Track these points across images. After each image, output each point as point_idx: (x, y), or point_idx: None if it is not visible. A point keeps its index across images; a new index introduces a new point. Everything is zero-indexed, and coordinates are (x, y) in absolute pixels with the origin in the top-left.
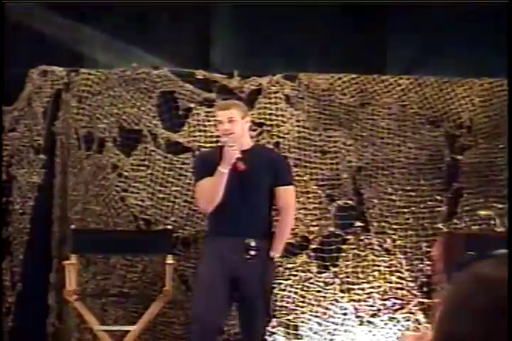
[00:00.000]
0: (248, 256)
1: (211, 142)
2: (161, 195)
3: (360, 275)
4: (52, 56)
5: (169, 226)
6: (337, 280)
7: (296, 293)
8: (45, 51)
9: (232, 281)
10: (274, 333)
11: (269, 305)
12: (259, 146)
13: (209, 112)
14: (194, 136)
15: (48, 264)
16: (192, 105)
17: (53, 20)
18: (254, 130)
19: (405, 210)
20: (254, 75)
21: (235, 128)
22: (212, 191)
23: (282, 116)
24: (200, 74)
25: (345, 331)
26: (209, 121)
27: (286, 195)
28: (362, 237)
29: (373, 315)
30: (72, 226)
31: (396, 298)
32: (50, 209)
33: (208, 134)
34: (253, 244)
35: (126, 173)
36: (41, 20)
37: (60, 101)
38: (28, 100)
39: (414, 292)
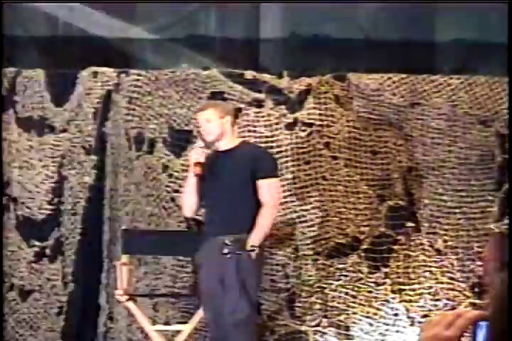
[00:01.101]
0: (224, 254)
1: (260, 142)
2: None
3: (411, 276)
4: (102, 57)
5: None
6: (388, 281)
7: (347, 293)
8: (95, 52)
9: (221, 280)
10: (325, 333)
11: (250, 297)
12: (244, 144)
13: (258, 112)
14: (243, 137)
15: (100, 264)
16: (241, 105)
17: (103, 21)
18: (303, 130)
19: (456, 210)
20: (303, 75)
21: (210, 129)
22: (182, 197)
23: (332, 116)
24: (249, 74)
25: (397, 331)
26: (258, 121)
27: (264, 188)
28: (413, 237)
29: (424, 316)
30: (123, 227)
31: (447, 299)
32: (101, 209)
33: (258, 134)
34: (227, 241)
35: (176, 174)
36: (91, 22)
37: (111, 102)
38: (79, 101)
39: (466, 292)
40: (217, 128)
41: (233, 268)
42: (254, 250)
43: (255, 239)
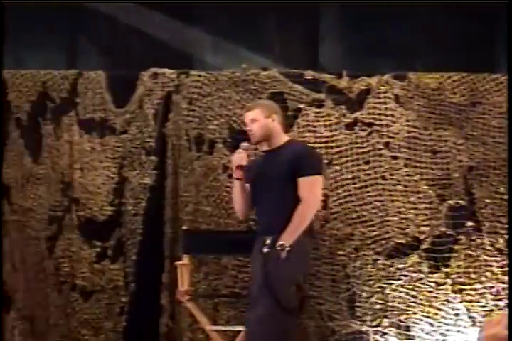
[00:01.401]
0: (263, 253)
1: (320, 142)
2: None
3: (473, 276)
4: (162, 58)
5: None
6: (449, 281)
7: (407, 293)
8: (155, 53)
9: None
10: (385, 334)
11: (278, 300)
12: (290, 143)
13: (318, 113)
14: (303, 137)
15: (161, 265)
16: (301, 106)
17: (163, 22)
18: (363, 130)
19: None
20: (363, 75)
21: (256, 129)
22: (233, 198)
23: (392, 116)
24: (309, 74)
25: (458, 332)
26: (318, 121)
27: (303, 186)
28: (474, 237)
29: (485, 316)
30: (184, 227)
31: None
32: (161, 210)
33: (318, 134)
34: (268, 241)
35: None
36: (151, 23)
37: (171, 103)
38: (140, 102)
39: None
40: (262, 128)
41: (262, 266)
42: (283, 249)
43: (285, 237)
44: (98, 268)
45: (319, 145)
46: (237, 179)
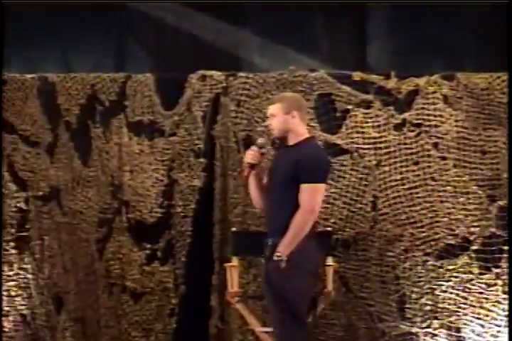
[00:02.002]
0: (266, 256)
1: (369, 143)
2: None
3: None
4: (210, 60)
5: (329, 228)
6: (499, 282)
7: (457, 294)
8: (203, 56)
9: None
10: (435, 335)
11: (286, 304)
12: (304, 142)
13: (367, 114)
14: (352, 138)
15: (210, 266)
16: (349, 107)
17: (210, 24)
18: (412, 131)
19: None
20: (411, 76)
21: (274, 124)
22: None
23: (441, 116)
24: (357, 75)
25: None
26: (367, 122)
27: (303, 193)
28: None
29: None
30: (233, 229)
31: None
32: (210, 212)
33: (366, 136)
34: (270, 243)
35: None
36: (199, 25)
37: (219, 105)
38: (188, 105)
39: None
40: (281, 124)
41: (270, 269)
42: (280, 259)
43: (282, 248)
44: (148, 270)
45: (368, 146)
46: (245, 178)
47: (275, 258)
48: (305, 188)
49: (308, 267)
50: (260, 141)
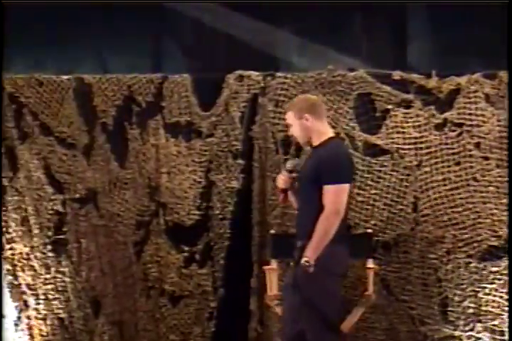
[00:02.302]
0: (295, 259)
1: (409, 144)
2: (360, 199)
3: None
4: (247, 60)
5: (369, 230)
6: None
7: (501, 297)
8: (240, 56)
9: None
10: (479, 338)
11: (316, 309)
12: (328, 142)
13: (407, 114)
14: (392, 138)
15: (249, 269)
16: (389, 106)
17: (248, 24)
18: (453, 131)
19: None
20: (452, 75)
21: (294, 133)
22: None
23: (482, 115)
24: (397, 75)
25: None
26: (407, 122)
27: (326, 193)
28: None
29: None
30: (272, 231)
31: None
32: (249, 214)
33: (407, 136)
34: (299, 245)
35: None
36: (236, 25)
37: (257, 105)
38: (225, 105)
39: None
40: (299, 131)
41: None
42: (308, 264)
43: (309, 253)
44: (186, 273)
45: (408, 146)
46: (282, 202)
47: (303, 262)
48: (328, 189)
49: (338, 270)
50: (289, 165)
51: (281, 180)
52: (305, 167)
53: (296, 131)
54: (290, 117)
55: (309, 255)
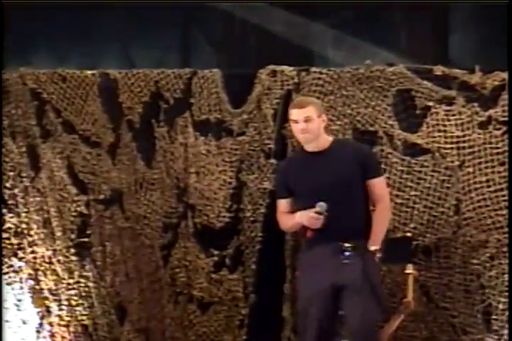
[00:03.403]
0: (344, 258)
1: (451, 143)
2: (399, 200)
3: None
4: (281, 55)
5: (408, 234)
6: None
7: None
8: (273, 50)
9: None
10: None
11: (380, 302)
12: (339, 141)
13: (449, 111)
14: (433, 137)
15: (282, 274)
16: (430, 103)
17: (281, 17)
18: (498, 129)
19: None
20: (497, 70)
21: (311, 128)
22: (290, 228)
23: None
24: (438, 70)
25: None
26: (449, 120)
27: (378, 186)
28: None
29: None
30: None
31: None
32: None
33: (448, 134)
34: (347, 245)
35: None
36: (268, 19)
37: (291, 102)
38: (258, 102)
39: None
40: (316, 128)
41: (355, 270)
42: (377, 253)
43: (376, 242)
44: (216, 278)
45: (450, 145)
46: (305, 237)
47: (373, 250)
48: (379, 181)
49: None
50: (320, 207)
51: (314, 220)
52: (326, 170)
53: (313, 128)
54: (311, 112)
55: (377, 244)
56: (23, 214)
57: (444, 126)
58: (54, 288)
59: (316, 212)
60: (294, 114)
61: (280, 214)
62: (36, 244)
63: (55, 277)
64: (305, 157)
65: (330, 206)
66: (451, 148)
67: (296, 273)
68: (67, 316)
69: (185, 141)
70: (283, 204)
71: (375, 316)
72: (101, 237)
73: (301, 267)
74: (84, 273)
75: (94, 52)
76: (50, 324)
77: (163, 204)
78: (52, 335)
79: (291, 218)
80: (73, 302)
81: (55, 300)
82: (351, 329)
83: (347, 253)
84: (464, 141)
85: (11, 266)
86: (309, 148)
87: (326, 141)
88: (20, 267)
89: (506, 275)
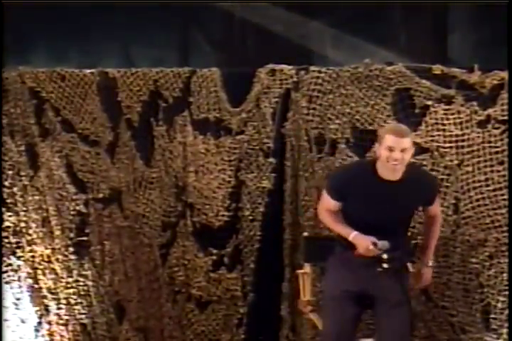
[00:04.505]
0: (380, 269)
1: (450, 142)
2: None
3: None
4: (280, 54)
5: (407, 233)
6: None
7: None
8: (273, 49)
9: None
10: None
11: (409, 314)
12: (411, 171)
13: (448, 110)
14: (432, 136)
15: (280, 273)
16: (429, 102)
17: (280, 15)
18: (497, 128)
19: None
20: (496, 69)
21: (407, 159)
22: (333, 230)
23: None
24: (437, 69)
25: None
26: (448, 119)
27: (435, 208)
28: None
29: None
30: (305, 234)
31: None
32: (280, 215)
33: (447, 134)
34: (385, 256)
35: None
36: (267, 17)
37: (290, 101)
38: (257, 101)
39: None
40: (408, 160)
41: (390, 281)
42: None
43: (431, 255)
44: (214, 277)
45: (449, 144)
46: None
47: (431, 264)
48: (437, 203)
49: None
50: (381, 246)
51: (367, 251)
52: (396, 198)
53: (407, 160)
54: (409, 143)
55: (431, 258)
56: (22, 213)
57: (443, 125)
58: (53, 286)
59: (374, 244)
60: (392, 141)
61: (326, 211)
62: (35, 243)
63: (53, 276)
64: (375, 181)
65: (382, 235)
66: (450, 147)
67: (327, 270)
68: (65, 315)
69: (184, 140)
70: (333, 204)
71: (409, 328)
72: (100, 236)
73: (333, 265)
74: (83, 272)
75: (93, 51)
76: (49, 322)
77: (161, 203)
78: (51, 334)
79: (343, 227)
80: (72, 301)
81: (54, 298)
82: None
83: (385, 266)
84: (462, 140)
85: (10, 264)
86: (383, 174)
87: (401, 172)
88: (18, 266)
89: (505, 274)
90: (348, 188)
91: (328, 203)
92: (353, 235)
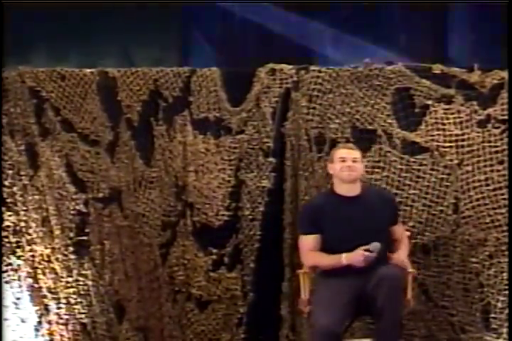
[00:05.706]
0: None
1: (450, 141)
2: (397, 199)
3: None
4: (280, 53)
5: (407, 232)
6: None
7: None
8: (272, 49)
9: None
10: None
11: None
12: (367, 188)
13: (448, 109)
14: (432, 136)
15: (281, 273)
16: (429, 102)
17: (279, 14)
18: (497, 127)
19: None
20: (496, 68)
21: (359, 168)
22: (325, 267)
23: None
24: (437, 68)
25: None
26: (448, 119)
27: (399, 228)
28: None
29: None
30: None
31: None
32: (280, 214)
33: (447, 133)
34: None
35: None
36: (268, 16)
37: (290, 100)
38: (256, 100)
39: None
40: (360, 172)
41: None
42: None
43: (405, 257)
44: (214, 276)
45: (449, 144)
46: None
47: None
48: (399, 226)
49: None
50: (373, 247)
51: (363, 259)
52: (361, 214)
53: (359, 168)
54: (359, 155)
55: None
56: (22, 213)
57: (443, 124)
58: (53, 286)
59: (367, 250)
60: (343, 153)
61: (308, 252)
62: (35, 243)
63: (53, 275)
64: (339, 200)
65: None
66: (450, 147)
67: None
68: (65, 314)
69: (184, 140)
70: (311, 240)
71: (402, 273)
72: (100, 236)
73: (323, 277)
74: (83, 272)
75: (93, 51)
76: (49, 322)
77: (161, 203)
78: (51, 333)
79: (330, 258)
80: (72, 301)
81: (54, 298)
82: (380, 275)
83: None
84: (462, 140)
85: (10, 264)
86: (343, 191)
87: (358, 187)
88: (18, 265)
89: (505, 274)
90: (318, 215)
91: (307, 243)
92: (343, 258)
